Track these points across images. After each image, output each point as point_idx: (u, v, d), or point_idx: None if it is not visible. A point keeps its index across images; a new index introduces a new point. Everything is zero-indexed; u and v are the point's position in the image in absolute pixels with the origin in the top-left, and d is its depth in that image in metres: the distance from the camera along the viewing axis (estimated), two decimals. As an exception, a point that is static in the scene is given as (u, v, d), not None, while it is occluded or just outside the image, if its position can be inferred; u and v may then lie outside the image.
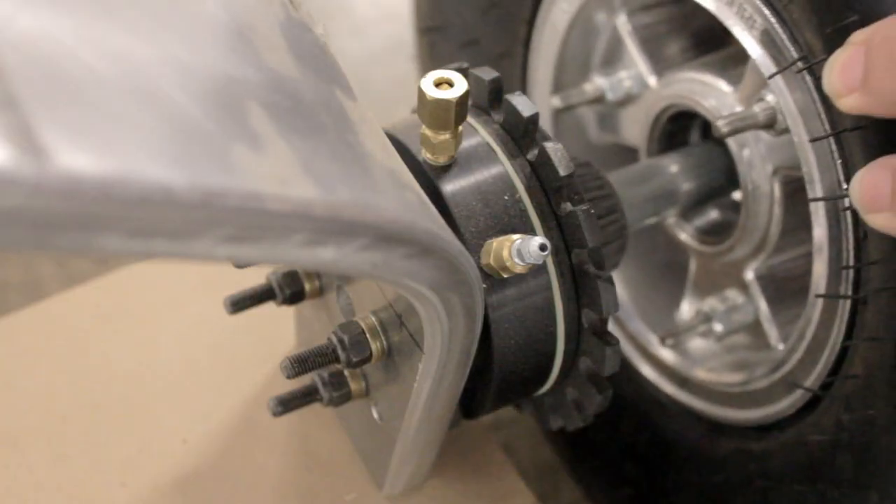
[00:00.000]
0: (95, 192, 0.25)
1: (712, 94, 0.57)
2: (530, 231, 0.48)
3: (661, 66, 0.63)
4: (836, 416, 0.49)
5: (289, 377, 0.51)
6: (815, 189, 0.47)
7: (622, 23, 0.63)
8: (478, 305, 0.44)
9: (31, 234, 0.24)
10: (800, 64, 0.45)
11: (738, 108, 0.55)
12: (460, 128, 0.47)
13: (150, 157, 0.27)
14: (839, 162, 0.45)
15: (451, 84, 0.45)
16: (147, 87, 0.30)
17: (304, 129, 0.35)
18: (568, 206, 0.48)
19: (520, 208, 0.48)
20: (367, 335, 0.50)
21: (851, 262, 0.46)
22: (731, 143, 0.57)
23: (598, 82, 0.65)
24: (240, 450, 0.61)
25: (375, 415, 0.54)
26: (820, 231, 0.48)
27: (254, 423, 0.62)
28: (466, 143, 0.49)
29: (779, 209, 0.56)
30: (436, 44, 0.71)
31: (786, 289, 0.59)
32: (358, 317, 0.51)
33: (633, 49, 0.63)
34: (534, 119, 0.49)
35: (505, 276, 0.46)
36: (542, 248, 0.43)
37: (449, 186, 0.48)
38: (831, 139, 0.45)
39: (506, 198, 0.48)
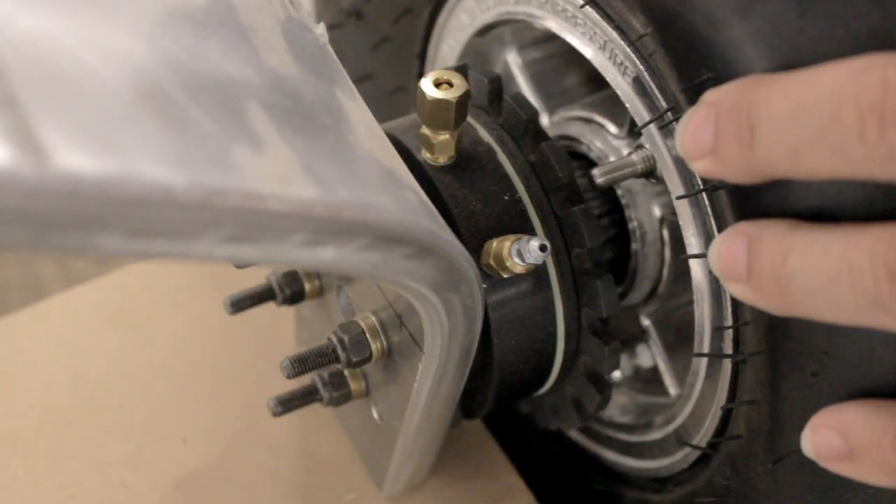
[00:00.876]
0: (95, 192, 0.25)
1: (599, 136, 0.55)
2: (530, 231, 0.48)
3: (552, 102, 0.61)
4: (725, 477, 0.48)
5: (289, 377, 0.51)
6: (691, 245, 0.45)
7: (512, 58, 0.60)
8: (478, 305, 0.44)
9: (31, 234, 0.24)
10: (669, 115, 0.43)
11: (625, 152, 0.54)
12: (460, 128, 0.47)
13: (150, 157, 0.27)
14: (712, 218, 0.43)
15: (450, 84, 0.45)
16: (147, 87, 0.30)
17: (304, 129, 0.35)
18: (567, 207, 0.48)
19: (520, 208, 0.48)
20: (367, 335, 0.50)
21: (730, 323, 0.45)
22: (618, 188, 0.55)
23: None
24: (240, 450, 0.61)
25: (375, 415, 0.54)
26: (699, 288, 0.46)
27: (254, 423, 0.62)
28: (466, 143, 0.49)
29: (670, 255, 0.54)
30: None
31: (682, 335, 0.57)
32: (358, 317, 0.51)
33: (523, 85, 0.61)
34: (534, 119, 0.49)
35: (505, 276, 0.46)
36: (542, 248, 0.43)
37: (449, 186, 0.48)
38: (703, 194, 0.43)
39: (506, 198, 0.48)
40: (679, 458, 0.52)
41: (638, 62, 0.44)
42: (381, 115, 0.62)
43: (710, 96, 0.37)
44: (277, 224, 0.30)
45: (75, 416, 0.63)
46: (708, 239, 0.44)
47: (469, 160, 0.49)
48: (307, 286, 0.56)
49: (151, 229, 0.27)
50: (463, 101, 0.45)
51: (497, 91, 0.51)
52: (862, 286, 0.33)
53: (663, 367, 0.57)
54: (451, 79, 0.45)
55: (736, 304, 0.44)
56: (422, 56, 0.61)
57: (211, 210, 0.28)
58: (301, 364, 0.51)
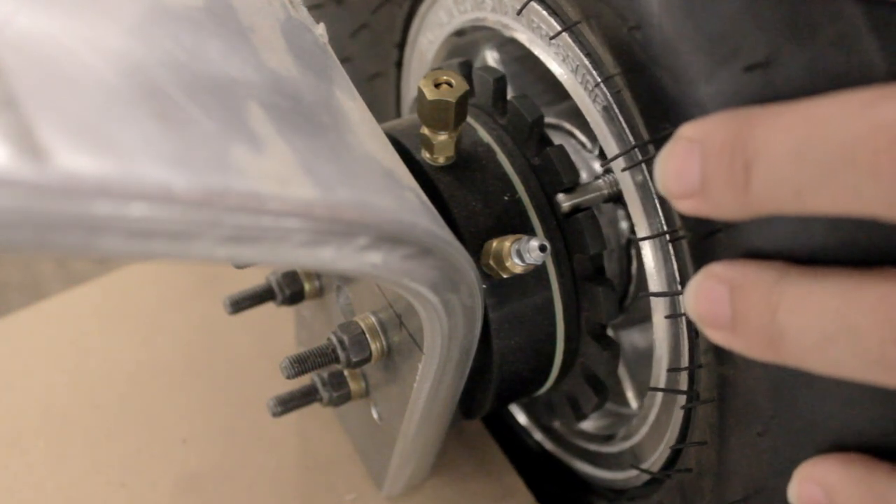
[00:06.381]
0: (95, 192, 0.25)
1: (569, 146, 0.54)
2: (530, 231, 0.48)
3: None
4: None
5: (288, 377, 0.51)
6: (653, 281, 0.44)
7: (491, 54, 0.60)
8: (477, 306, 0.44)
9: (31, 234, 0.24)
10: (637, 152, 0.42)
11: (596, 166, 0.54)
12: (460, 128, 0.47)
13: (150, 157, 0.27)
14: (675, 261, 0.43)
15: (450, 84, 0.45)
16: (147, 87, 0.30)
17: (304, 130, 0.35)
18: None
19: (520, 208, 0.48)
20: (367, 335, 0.50)
21: (686, 364, 0.44)
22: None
23: None
24: (240, 450, 0.61)
25: (375, 415, 0.54)
26: (658, 327, 0.45)
27: (254, 423, 0.62)
28: (466, 143, 0.49)
29: (636, 272, 0.53)
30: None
31: (645, 350, 0.56)
32: (358, 317, 0.51)
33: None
34: (538, 122, 0.49)
35: (505, 276, 0.46)
36: (542, 248, 0.43)
37: (449, 186, 0.48)
38: (669, 242, 0.42)
39: (506, 198, 0.48)
40: (634, 475, 0.53)
41: (609, 93, 0.43)
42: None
43: (690, 131, 0.34)
44: (277, 224, 0.30)
45: (75, 416, 0.63)
46: (670, 278, 0.43)
47: (469, 160, 0.49)
48: (307, 286, 0.56)
49: (151, 230, 0.27)
50: (462, 102, 0.45)
51: (501, 91, 0.51)
52: (864, 347, 0.31)
53: (625, 379, 0.57)
54: (450, 79, 0.45)
55: (692, 346, 0.44)
56: (401, 46, 0.61)
57: (211, 210, 0.28)
58: (301, 364, 0.51)
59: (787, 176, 0.31)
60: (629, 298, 0.54)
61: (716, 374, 0.42)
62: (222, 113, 0.32)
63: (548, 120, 0.56)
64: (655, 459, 0.50)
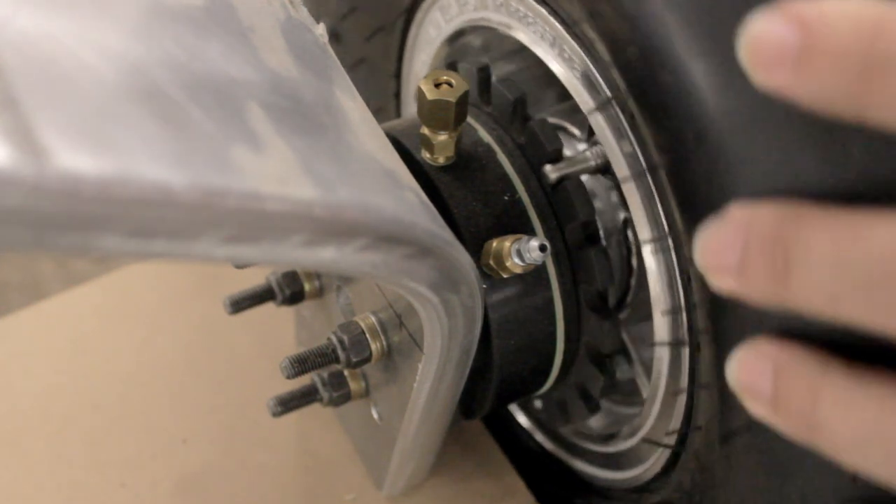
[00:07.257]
0: (95, 192, 0.25)
1: (566, 142, 0.55)
2: (530, 231, 0.48)
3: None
4: (691, 476, 0.48)
5: (288, 377, 0.51)
6: (642, 230, 0.45)
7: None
8: (477, 306, 0.44)
9: (31, 234, 0.25)
10: (614, 104, 0.43)
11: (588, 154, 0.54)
12: (459, 128, 0.47)
13: (150, 157, 0.27)
14: (659, 202, 0.43)
15: (450, 84, 0.45)
16: (147, 87, 0.30)
17: (304, 130, 0.35)
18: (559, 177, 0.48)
19: (520, 208, 0.48)
20: (367, 335, 0.50)
21: (682, 305, 0.44)
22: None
23: None
24: (240, 450, 0.61)
25: (375, 415, 0.54)
26: (652, 274, 0.46)
27: (254, 423, 0.62)
28: (466, 143, 0.49)
29: (636, 263, 0.54)
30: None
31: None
32: (358, 317, 0.51)
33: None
34: (522, 100, 0.49)
35: (505, 276, 0.46)
36: (542, 248, 0.43)
37: (449, 186, 0.48)
38: (648, 175, 0.43)
39: (506, 198, 0.48)
40: (650, 464, 0.52)
41: (583, 54, 0.44)
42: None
43: (739, 214, 0.35)
44: (277, 224, 0.30)
45: (75, 416, 0.63)
46: (657, 226, 0.44)
47: (469, 160, 0.49)
48: (307, 286, 0.56)
49: (151, 229, 0.27)
50: (462, 102, 0.45)
51: (486, 80, 0.51)
52: (894, 458, 0.32)
53: (639, 378, 0.57)
54: (450, 79, 0.45)
55: (686, 286, 0.44)
56: (398, 75, 0.61)
57: (211, 210, 0.28)
58: (301, 364, 0.51)
59: (825, 284, 0.32)
60: (631, 293, 0.54)
61: (707, 303, 0.42)
62: (222, 113, 0.32)
63: (550, 121, 0.56)
64: (670, 433, 0.50)
